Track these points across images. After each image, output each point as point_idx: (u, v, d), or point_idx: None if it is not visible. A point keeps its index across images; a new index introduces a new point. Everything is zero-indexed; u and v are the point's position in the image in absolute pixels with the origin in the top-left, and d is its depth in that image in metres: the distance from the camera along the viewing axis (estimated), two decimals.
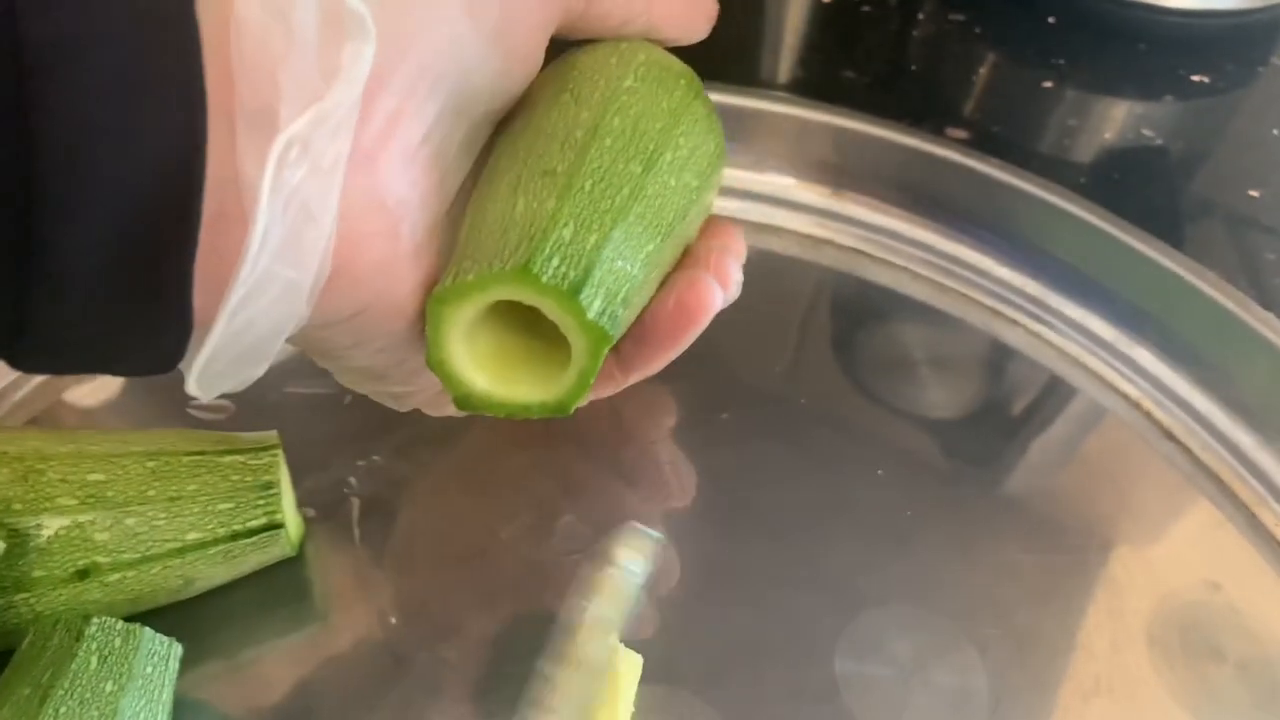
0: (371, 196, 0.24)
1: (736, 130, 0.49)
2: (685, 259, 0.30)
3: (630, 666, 0.32)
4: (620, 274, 0.26)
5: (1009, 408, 0.43)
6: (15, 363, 0.22)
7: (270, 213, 0.21)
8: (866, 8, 0.59)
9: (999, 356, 0.45)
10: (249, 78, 0.21)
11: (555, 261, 0.25)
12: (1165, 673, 0.35)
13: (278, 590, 0.36)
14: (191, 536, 0.33)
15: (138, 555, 0.32)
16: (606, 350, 0.26)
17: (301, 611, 0.36)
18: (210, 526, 0.33)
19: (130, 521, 0.32)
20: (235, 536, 0.33)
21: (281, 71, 0.21)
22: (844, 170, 0.49)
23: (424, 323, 0.27)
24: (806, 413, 0.42)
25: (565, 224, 0.25)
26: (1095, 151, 0.53)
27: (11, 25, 0.18)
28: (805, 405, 0.42)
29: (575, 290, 0.25)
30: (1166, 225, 0.47)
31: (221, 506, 0.33)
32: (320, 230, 0.23)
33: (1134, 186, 0.50)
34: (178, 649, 0.31)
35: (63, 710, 0.28)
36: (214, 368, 0.23)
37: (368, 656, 0.35)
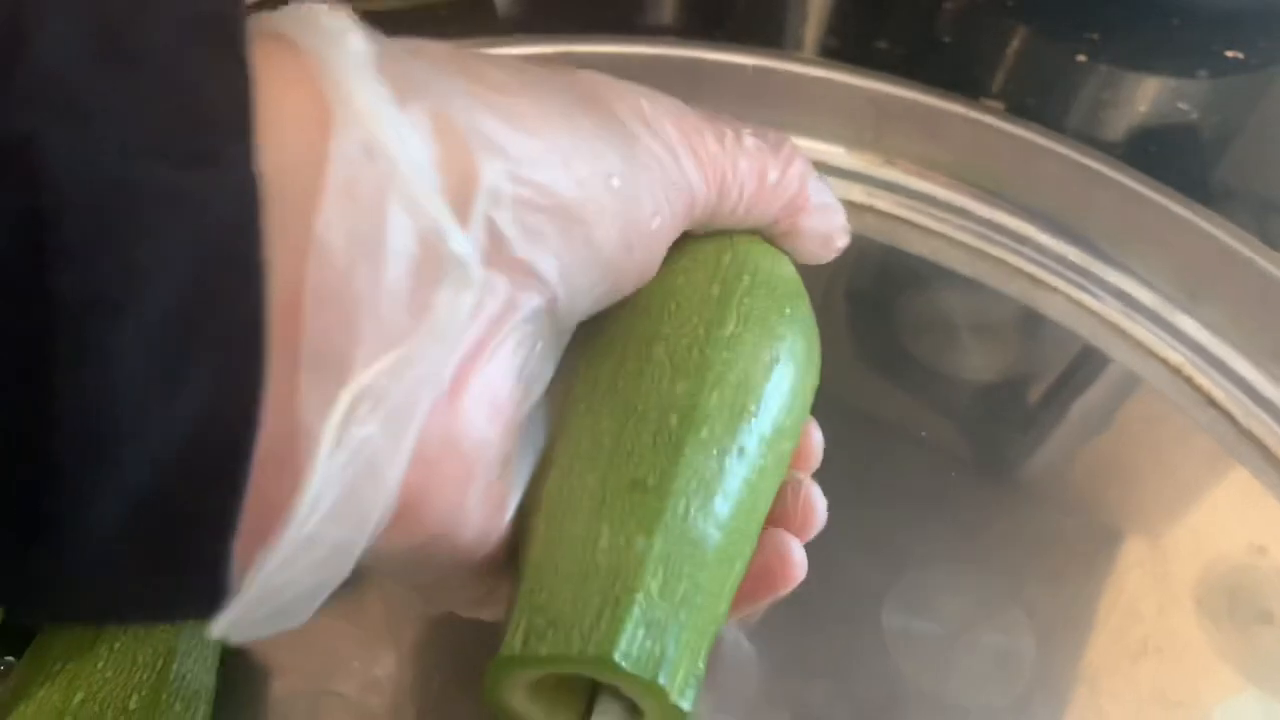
0: (448, 438, 0.22)
1: (780, 95, 0.49)
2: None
3: None
4: (706, 618, 0.23)
5: (1049, 373, 0.43)
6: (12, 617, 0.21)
7: (326, 473, 0.19)
8: None
9: (1038, 322, 0.45)
10: (322, 315, 0.18)
11: (640, 636, 0.22)
12: (1213, 634, 0.35)
13: None
14: None
15: None
16: None
17: None
18: None
19: None
20: None
21: (362, 311, 0.19)
22: (885, 137, 0.48)
23: (481, 584, 0.25)
24: (849, 375, 0.42)
25: (654, 573, 0.23)
26: (1129, 125, 0.53)
27: (40, 276, 0.15)
28: (847, 368, 0.42)
29: (656, 672, 0.22)
30: (1200, 198, 0.47)
31: None
32: (384, 489, 0.20)
33: (1169, 159, 0.50)
34: None
35: (117, 645, 0.28)
36: (243, 624, 0.20)
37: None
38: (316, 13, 0.20)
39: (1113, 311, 0.44)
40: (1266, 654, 0.35)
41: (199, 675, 0.29)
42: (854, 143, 0.49)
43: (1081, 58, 0.55)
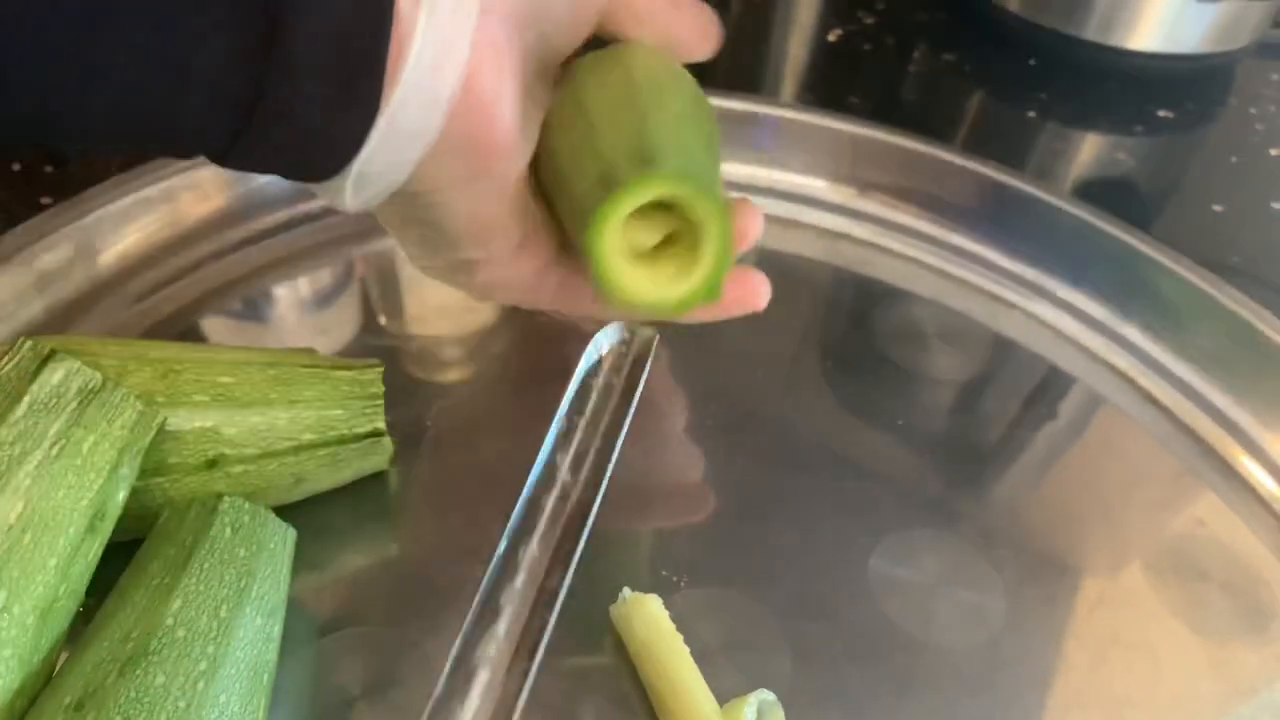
0: (485, 41, 0.30)
1: (764, 136, 0.54)
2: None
3: (655, 607, 0.36)
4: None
5: (1013, 374, 0.48)
6: (227, 158, 0.28)
7: (425, 38, 0.27)
8: (867, 46, 0.66)
9: (998, 334, 0.50)
10: None
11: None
12: (1159, 590, 0.40)
13: (364, 509, 0.40)
14: (307, 437, 0.36)
15: (259, 450, 0.36)
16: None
17: (383, 530, 0.40)
18: (323, 429, 0.37)
19: (254, 420, 0.35)
20: (343, 440, 0.37)
21: None
22: (860, 172, 0.54)
23: (517, 180, 0.33)
24: (833, 372, 0.47)
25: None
26: (1076, 173, 0.59)
27: None
28: (831, 367, 0.47)
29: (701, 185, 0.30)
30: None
31: (334, 412, 0.37)
32: (457, 57, 0.29)
33: (1112, 200, 0.56)
34: (293, 534, 0.35)
35: (205, 566, 0.31)
36: (370, 167, 0.29)
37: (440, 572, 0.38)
38: None
39: (1065, 324, 0.50)
40: (1204, 605, 0.39)
41: (273, 596, 0.32)
42: (833, 176, 0.54)
43: (1032, 114, 0.62)
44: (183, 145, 0.28)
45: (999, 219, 0.52)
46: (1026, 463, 0.45)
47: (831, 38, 0.66)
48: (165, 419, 0.33)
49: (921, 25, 0.67)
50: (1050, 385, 0.48)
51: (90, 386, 0.31)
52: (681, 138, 0.32)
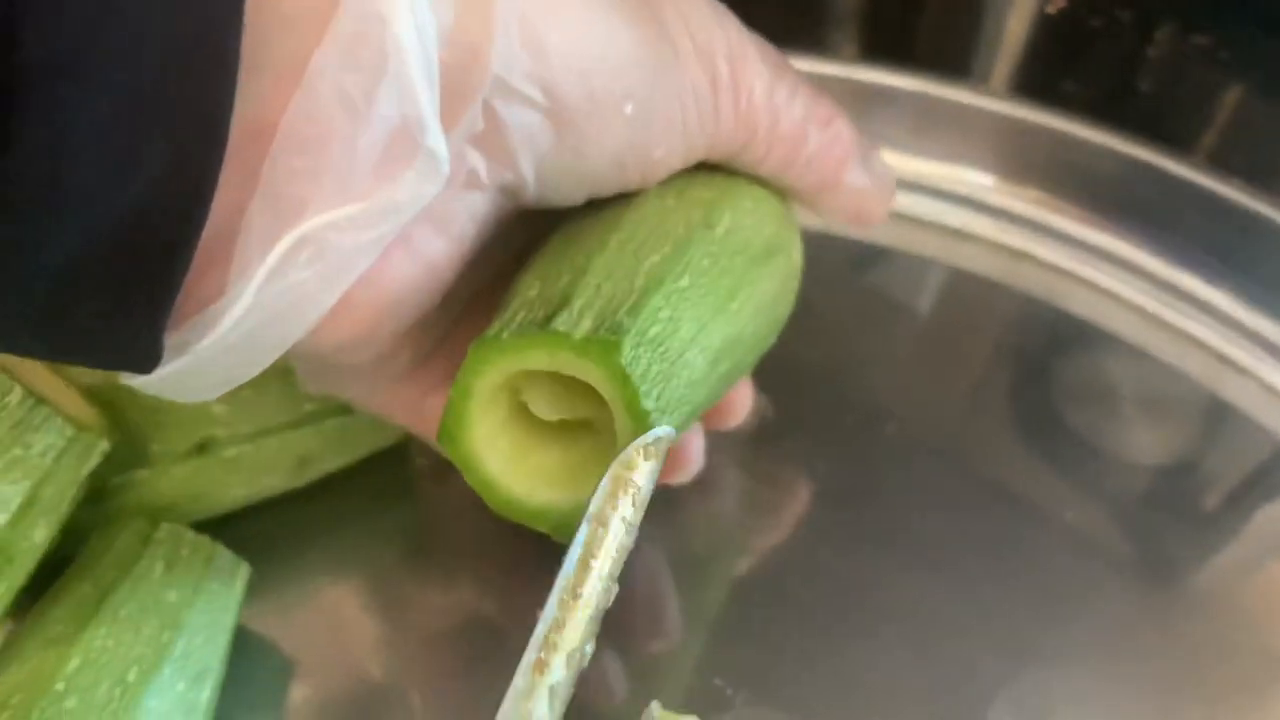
0: (371, 282, 0.22)
1: (938, 124, 0.45)
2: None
3: None
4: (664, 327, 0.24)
5: (1230, 465, 0.37)
6: None
7: (254, 301, 0.20)
8: (1096, 22, 0.54)
9: (1221, 407, 0.39)
10: (290, 153, 0.19)
11: (584, 317, 0.23)
12: None
13: (375, 521, 0.34)
14: (308, 408, 0.31)
15: (254, 428, 0.31)
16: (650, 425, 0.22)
17: (393, 550, 0.33)
18: (325, 398, 0.31)
19: (245, 393, 0.29)
20: (348, 409, 0.32)
21: (328, 164, 0.19)
22: (1058, 180, 0.44)
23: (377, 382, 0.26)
24: (988, 439, 0.37)
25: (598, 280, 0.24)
26: None
27: (12, 33, 0.16)
28: (987, 431, 0.37)
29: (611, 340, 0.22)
30: None
31: None
32: (302, 325, 0.21)
33: None
34: (245, 569, 0.29)
35: (122, 613, 0.26)
36: (166, 388, 0.22)
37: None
38: None
39: None
40: None
41: (206, 654, 0.27)
42: (1020, 181, 0.44)
43: None
44: None
45: (1239, 258, 0.41)
46: (1237, 584, 0.34)
47: (1051, 10, 0.55)
48: (107, 447, 0.27)
49: None
50: (1276, 473, 0.37)
51: (3, 401, 0.26)
52: (644, 286, 0.24)
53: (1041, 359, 0.40)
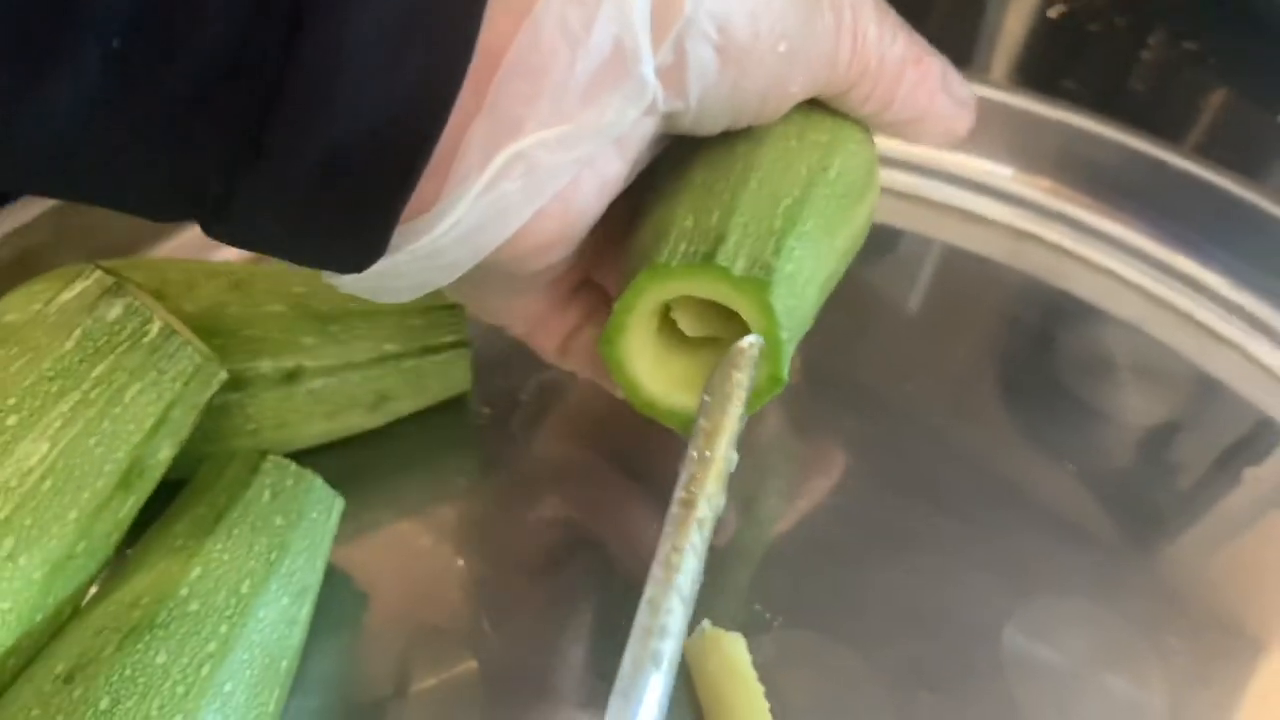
0: (560, 198, 0.24)
1: None
2: None
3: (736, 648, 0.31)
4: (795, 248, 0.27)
5: (1216, 424, 0.40)
6: (207, 230, 0.23)
7: (469, 209, 0.22)
8: (1094, 26, 0.57)
9: (1209, 377, 0.42)
10: (515, 76, 0.21)
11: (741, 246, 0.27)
12: None
13: (440, 465, 0.37)
14: (388, 347, 0.34)
15: (340, 361, 0.33)
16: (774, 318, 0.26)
17: (455, 513, 0.36)
18: (405, 339, 0.34)
19: (333, 328, 0.33)
20: (425, 351, 0.35)
21: (546, 88, 0.21)
22: (1064, 167, 0.47)
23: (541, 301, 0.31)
24: (999, 397, 0.40)
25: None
26: None
27: None
28: (998, 390, 0.41)
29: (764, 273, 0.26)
30: None
31: (415, 322, 0.35)
32: (504, 232, 0.23)
33: None
34: (340, 503, 0.31)
35: (235, 532, 0.29)
36: (359, 286, 0.25)
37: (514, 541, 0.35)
38: None
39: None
40: None
41: (306, 574, 0.29)
42: (1027, 168, 0.47)
43: None
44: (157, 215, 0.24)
45: (1225, 239, 0.44)
46: (1216, 530, 0.37)
47: (1053, 13, 0.58)
48: (225, 375, 0.30)
49: (1163, 5, 0.58)
50: (1258, 441, 0.40)
51: (145, 329, 0.29)
52: (782, 228, 0.27)
53: (1044, 330, 0.43)
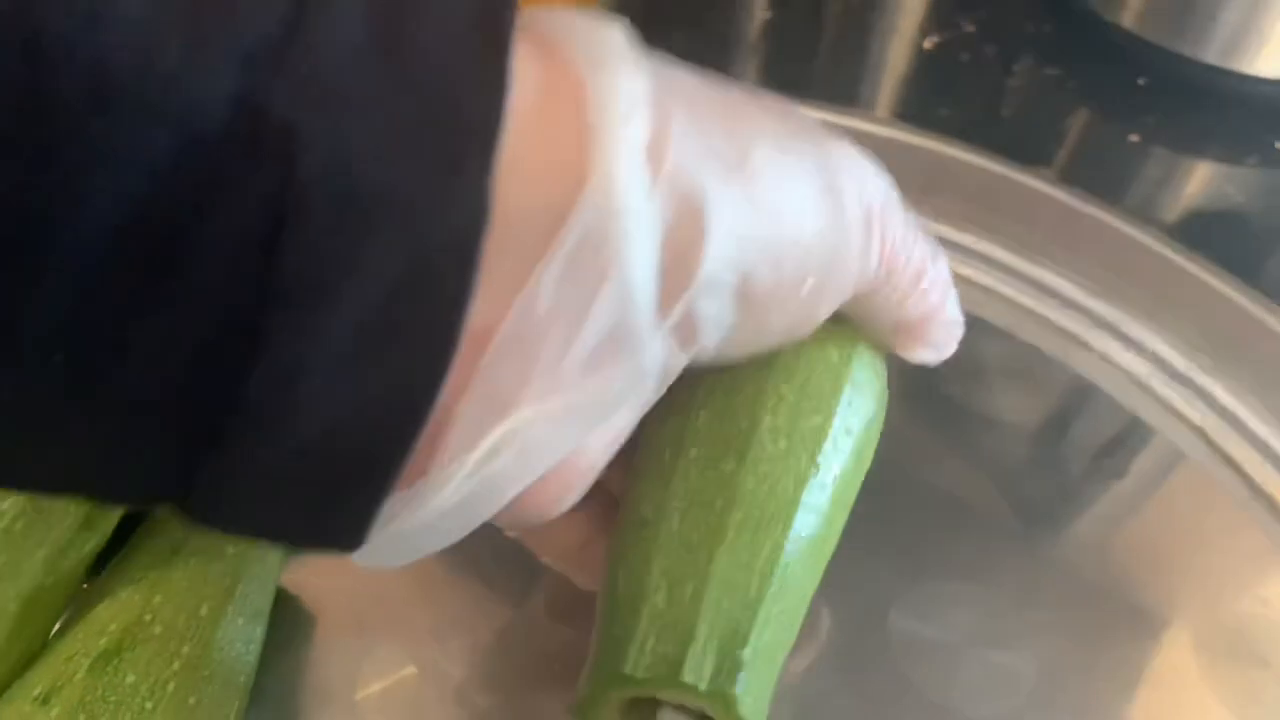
0: (564, 461, 0.22)
1: None
2: None
3: None
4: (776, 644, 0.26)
5: (1079, 421, 0.45)
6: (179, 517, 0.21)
7: (456, 490, 0.20)
8: (965, 55, 0.62)
9: (1071, 376, 0.46)
10: (506, 354, 0.19)
11: (710, 656, 0.25)
12: (1209, 671, 0.37)
13: None
14: None
15: None
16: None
17: None
18: None
19: None
20: None
21: (540, 366, 0.20)
22: (939, 195, 0.51)
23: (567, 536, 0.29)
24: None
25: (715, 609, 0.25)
26: (1179, 207, 0.55)
27: (272, 251, 0.16)
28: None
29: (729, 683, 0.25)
30: (1238, 272, 0.49)
31: None
32: (498, 504, 0.22)
33: (1214, 236, 0.52)
34: None
35: (192, 562, 0.31)
36: (360, 558, 0.23)
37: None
38: (592, 28, 0.20)
39: (1142, 371, 0.46)
40: (1258, 696, 0.36)
41: (259, 598, 0.32)
42: (909, 199, 0.52)
43: (1135, 138, 0.58)
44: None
45: (1082, 252, 0.49)
46: (1080, 518, 0.42)
47: (928, 45, 0.63)
48: None
49: (1027, 36, 0.63)
50: (1119, 435, 0.45)
51: None
52: (752, 611, 0.26)
53: None
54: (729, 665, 0.25)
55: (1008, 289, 0.50)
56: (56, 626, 0.31)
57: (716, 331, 0.22)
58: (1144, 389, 0.46)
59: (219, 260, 0.16)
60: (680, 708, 0.25)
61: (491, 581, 0.37)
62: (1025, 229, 0.51)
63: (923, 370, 0.45)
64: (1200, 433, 0.44)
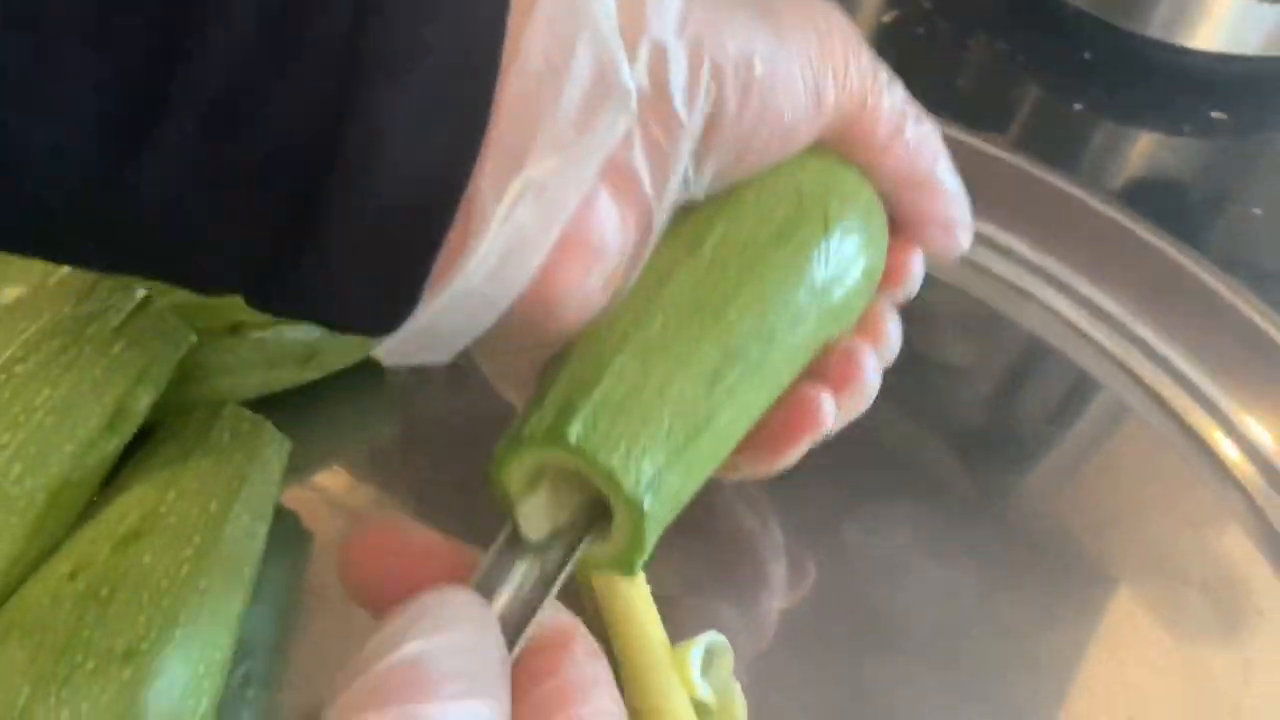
0: (579, 233, 0.25)
1: None
2: (816, 364, 0.30)
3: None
4: (690, 435, 0.26)
5: (1023, 366, 0.49)
6: (250, 300, 0.25)
7: (494, 242, 0.23)
8: (921, 30, 0.66)
9: (1010, 323, 0.50)
10: (514, 116, 0.23)
11: (601, 423, 0.25)
12: (1136, 585, 0.40)
13: (368, 419, 0.42)
14: None
15: (274, 319, 0.38)
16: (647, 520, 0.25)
17: (388, 460, 0.42)
18: None
19: None
20: None
21: (541, 118, 0.23)
22: None
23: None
24: None
25: (627, 371, 0.26)
26: (1120, 170, 0.59)
27: (355, 34, 0.21)
28: None
29: (609, 456, 0.24)
30: (1184, 230, 0.52)
31: None
32: (531, 262, 0.24)
33: (1152, 198, 0.56)
34: (288, 444, 0.37)
35: (203, 465, 0.34)
36: (402, 350, 0.26)
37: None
38: None
39: (1082, 320, 0.50)
40: (1182, 605, 0.40)
41: (263, 500, 0.35)
42: None
43: (1080, 108, 0.61)
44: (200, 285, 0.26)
45: (1029, 212, 0.52)
46: (1019, 450, 0.45)
47: (887, 19, 0.66)
48: (195, 339, 0.36)
49: (981, 11, 0.67)
50: (1058, 378, 0.48)
51: (130, 299, 0.34)
52: (666, 378, 0.26)
53: None
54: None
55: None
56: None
57: (682, 97, 0.25)
58: (1082, 336, 0.49)
59: (316, 46, 0.21)
60: (580, 486, 0.26)
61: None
62: (980, 193, 0.53)
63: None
64: (1133, 375, 0.48)
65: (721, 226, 0.28)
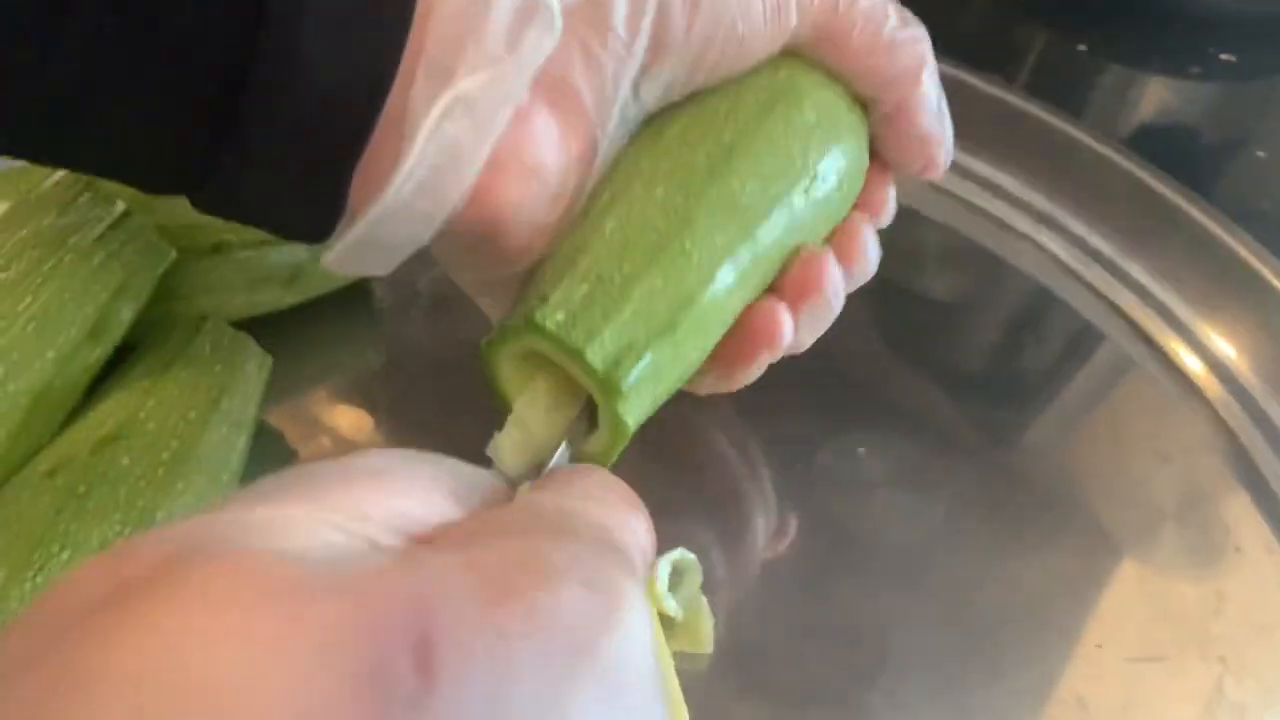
0: (515, 150, 0.26)
1: None
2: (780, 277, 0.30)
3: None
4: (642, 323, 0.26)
5: (1009, 301, 0.49)
6: (195, 203, 0.26)
7: (420, 155, 0.24)
8: None
9: (998, 260, 0.50)
10: (442, 34, 0.24)
11: (579, 314, 0.26)
12: (1108, 515, 0.40)
13: (352, 345, 0.43)
14: None
15: (258, 238, 0.38)
16: (622, 406, 0.26)
17: (370, 392, 0.43)
18: None
19: None
20: None
21: (470, 37, 0.24)
22: None
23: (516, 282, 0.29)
24: None
25: (609, 262, 0.27)
26: (1122, 113, 0.59)
27: None
28: None
29: (583, 344, 0.25)
30: (1189, 173, 0.52)
31: None
32: (463, 176, 0.25)
33: (1157, 143, 0.55)
34: (269, 361, 0.38)
35: (182, 375, 0.35)
36: (345, 260, 0.27)
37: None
38: None
39: (1069, 256, 0.50)
40: (1153, 536, 0.40)
41: (242, 412, 0.36)
42: None
43: (1083, 48, 0.61)
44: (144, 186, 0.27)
45: (1017, 148, 0.52)
46: (1000, 381, 0.46)
47: None
48: (175, 255, 0.37)
49: None
50: (1043, 312, 0.48)
51: (111, 210, 0.35)
52: (645, 267, 0.27)
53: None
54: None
55: (954, 188, 0.53)
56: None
57: (630, 19, 0.26)
58: (1068, 271, 0.49)
59: None
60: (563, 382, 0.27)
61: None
62: (982, 134, 0.53)
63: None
64: (1117, 309, 0.48)
65: (684, 120, 0.29)
